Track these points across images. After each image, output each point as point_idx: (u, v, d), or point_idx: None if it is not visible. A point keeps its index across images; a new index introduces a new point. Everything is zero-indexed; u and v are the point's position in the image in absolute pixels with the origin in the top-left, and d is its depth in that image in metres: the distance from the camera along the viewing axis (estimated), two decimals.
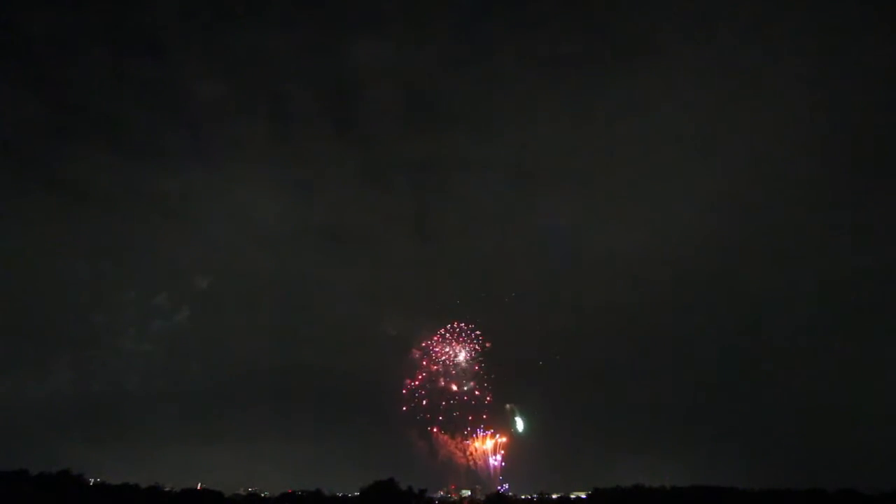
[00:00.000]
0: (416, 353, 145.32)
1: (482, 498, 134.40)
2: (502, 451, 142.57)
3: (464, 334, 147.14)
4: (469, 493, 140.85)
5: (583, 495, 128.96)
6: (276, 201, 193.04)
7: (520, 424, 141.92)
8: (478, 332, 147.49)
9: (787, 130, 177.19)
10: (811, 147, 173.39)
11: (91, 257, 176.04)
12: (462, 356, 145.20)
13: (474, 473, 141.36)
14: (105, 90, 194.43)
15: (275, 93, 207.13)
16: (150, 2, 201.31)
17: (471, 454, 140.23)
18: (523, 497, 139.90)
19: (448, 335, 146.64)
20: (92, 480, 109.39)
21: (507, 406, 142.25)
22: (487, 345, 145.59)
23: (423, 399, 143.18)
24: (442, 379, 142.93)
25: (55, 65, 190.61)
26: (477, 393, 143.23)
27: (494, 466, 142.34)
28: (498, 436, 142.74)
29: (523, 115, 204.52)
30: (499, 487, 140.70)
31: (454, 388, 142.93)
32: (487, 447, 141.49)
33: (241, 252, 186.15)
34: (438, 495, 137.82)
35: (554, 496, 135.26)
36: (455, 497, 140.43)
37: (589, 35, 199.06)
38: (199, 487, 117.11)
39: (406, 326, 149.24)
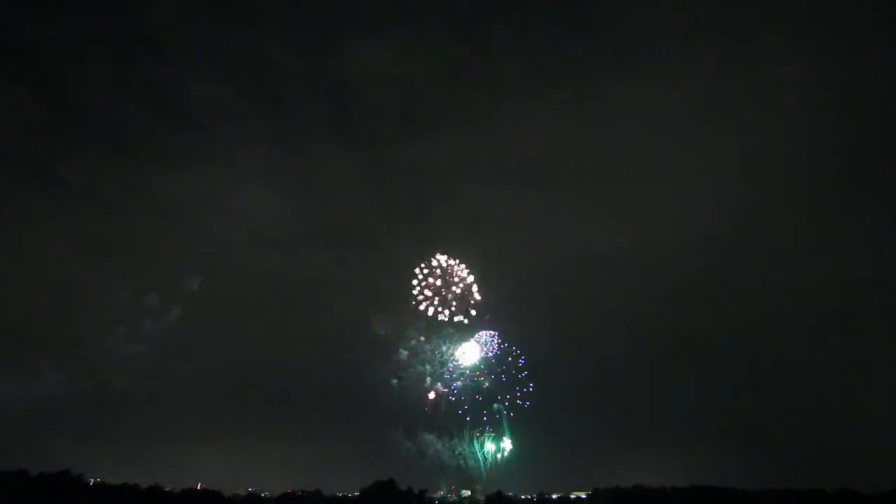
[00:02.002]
0: (403, 353, 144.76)
1: (482, 498, 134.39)
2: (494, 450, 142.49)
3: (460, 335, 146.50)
4: (469, 493, 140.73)
5: (583, 495, 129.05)
6: (274, 202, 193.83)
7: (507, 446, 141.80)
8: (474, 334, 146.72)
9: (788, 131, 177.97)
10: (812, 147, 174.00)
11: (88, 257, 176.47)
12: (458, 356, 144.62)
13: (464, 473, 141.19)
14: (106, 91, 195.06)
15: (274, 95, 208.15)
16: (151, 4, 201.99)
17: (460, 454, 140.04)
18: (523, 497, 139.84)
19: (440, 335, 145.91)
20: (92, 480, 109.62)
21: (495, 406, 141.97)
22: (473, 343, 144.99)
23: (410, 398, 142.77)
24: (428, 378, 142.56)
25: (56, 66, 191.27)
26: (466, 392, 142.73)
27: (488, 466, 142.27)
28: (489, 433, 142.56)
29: (523, 116, 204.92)
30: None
31: (440, 389, 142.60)
32: (475, 447, 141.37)
33: (238, 253, 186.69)
34: (438, 495, 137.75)
35: (554, 496, 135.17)
36: (455, 497, 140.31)
37: (588, 36, 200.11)
38: (199, 487, 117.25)
39: (401, 326, 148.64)
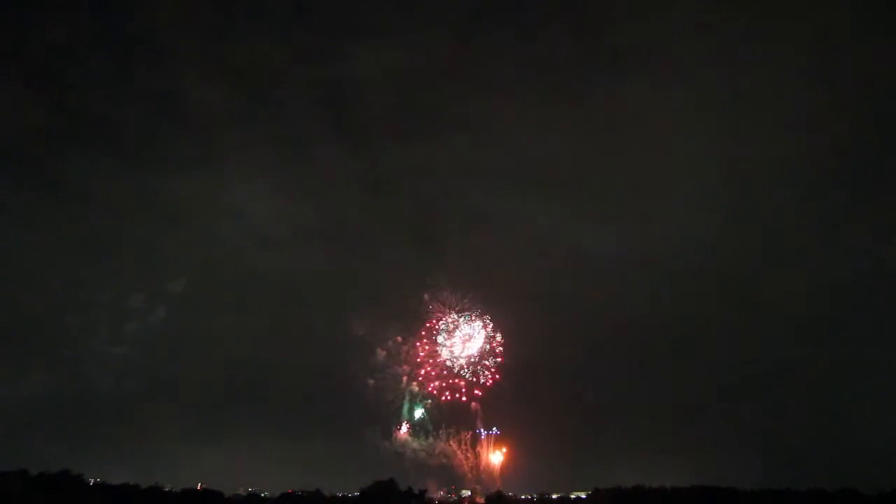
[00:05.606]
0: (382, 353, 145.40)
1: (482, 498, 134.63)
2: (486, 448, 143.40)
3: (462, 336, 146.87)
4: (469, 493, 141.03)
5: (583, 495, 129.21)
6: (272, 205, 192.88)
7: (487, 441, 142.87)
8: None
9: (787, 131, 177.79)
10: (811, 148, 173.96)
11: (84, 259, 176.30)
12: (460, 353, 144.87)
13: (449, 472, 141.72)
14: (106, 94, 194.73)
15: (274, 98, 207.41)
16: (151, 8, 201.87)
17: (440, 453, 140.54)
18: (523, 497, 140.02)
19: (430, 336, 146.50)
20: (92, 480, 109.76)
21: (472, 404, 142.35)
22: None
23: (389, 396, 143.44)
24: (406, 377, 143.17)
25: (57, 68, 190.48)
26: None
27: (476, 465, 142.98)
28: (482, 432, 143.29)
29: (522, 119, 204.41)
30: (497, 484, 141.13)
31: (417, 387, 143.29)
32: (454, 446, 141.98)
33: (233, 255, 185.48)
34: (438, 495, 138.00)
35: (554, 496, 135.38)
36: (454, 497, 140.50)
37: (587, 39, 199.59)
38: (199, 487, 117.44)
39: (381, 327, 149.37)
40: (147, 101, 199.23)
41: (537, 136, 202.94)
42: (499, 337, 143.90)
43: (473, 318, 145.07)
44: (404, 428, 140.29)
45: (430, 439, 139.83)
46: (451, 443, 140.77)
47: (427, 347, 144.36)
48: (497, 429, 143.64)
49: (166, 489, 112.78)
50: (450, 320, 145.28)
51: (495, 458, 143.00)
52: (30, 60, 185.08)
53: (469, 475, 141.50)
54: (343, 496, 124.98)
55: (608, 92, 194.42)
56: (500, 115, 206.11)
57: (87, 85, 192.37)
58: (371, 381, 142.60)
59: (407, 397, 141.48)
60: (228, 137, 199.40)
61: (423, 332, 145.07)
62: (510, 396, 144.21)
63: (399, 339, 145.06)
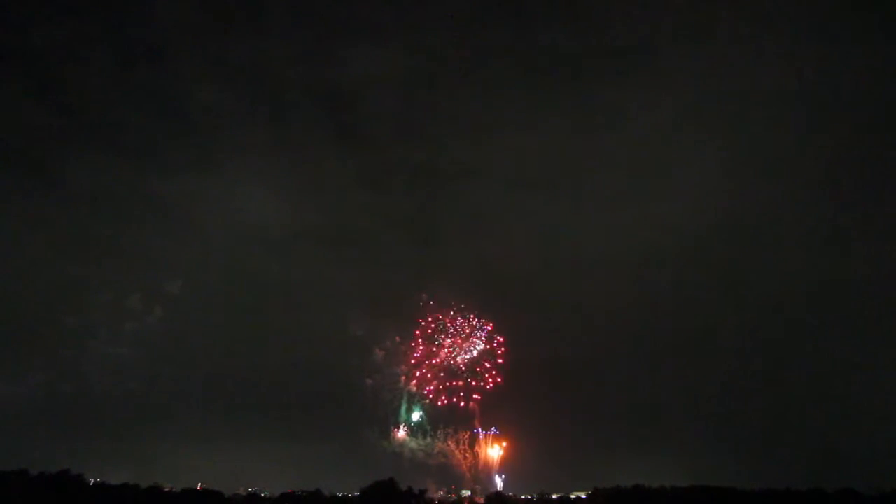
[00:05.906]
0: (380, 353, 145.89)
1: (482, 498, 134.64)
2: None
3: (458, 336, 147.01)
4: (469, 493, 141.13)
5: (583, 495, 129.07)
6: (271, 205, 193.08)
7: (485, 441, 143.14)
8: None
9: (787, 131, 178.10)
10: (811, 148, 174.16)
11: (83, 259, 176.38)
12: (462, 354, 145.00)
13: (448, 472, 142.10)
14: (106, 94, 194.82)
15: (274, 98, 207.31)
16: (151, 9, 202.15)
17: (438, 453, 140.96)
18: (523, 497, 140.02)
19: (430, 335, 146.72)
20: (92, 480, 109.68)
21: (471, 405, 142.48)
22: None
23: (386, 396, 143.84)
24: (404, 378, 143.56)
25: (57, 69, 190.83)
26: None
27: (474, 465, 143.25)
28: (481, 432, 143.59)
29: (521, 119, 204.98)
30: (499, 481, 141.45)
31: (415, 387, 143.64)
32: (453, 446, 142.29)
33: (230, 255, 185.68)
34: (438, 495, 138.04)
35: (554, 496, 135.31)
36: (454, 497, 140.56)
37: (586, 39, 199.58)
38: (199, 487, 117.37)
39: (380, 327, 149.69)
40: (147, 101, 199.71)
41: (537, 136, 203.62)
42: (498, 337, 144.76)
43: (473, 318, 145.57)
44: (402, 428, 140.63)
45: (429, 439, 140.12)
46: (450, 443, 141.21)
47: (423, 348, 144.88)
48: (496, 428, 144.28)
49: (166, 489, 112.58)
50: (448, 321, 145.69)
51: (494, 452, 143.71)
52: (30, 60, 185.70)
53: (468, 475, 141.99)
54: (343, 496, 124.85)
55: (608, 92, 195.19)
56: (500, 115, 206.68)
57: (87, 85, 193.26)
58: (369, 381, 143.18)
59: (405, 397, 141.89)
60: (228, 138, 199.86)
61: (421, 333, 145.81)
62: (509, 396, 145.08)
63: (398, 339, 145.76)
